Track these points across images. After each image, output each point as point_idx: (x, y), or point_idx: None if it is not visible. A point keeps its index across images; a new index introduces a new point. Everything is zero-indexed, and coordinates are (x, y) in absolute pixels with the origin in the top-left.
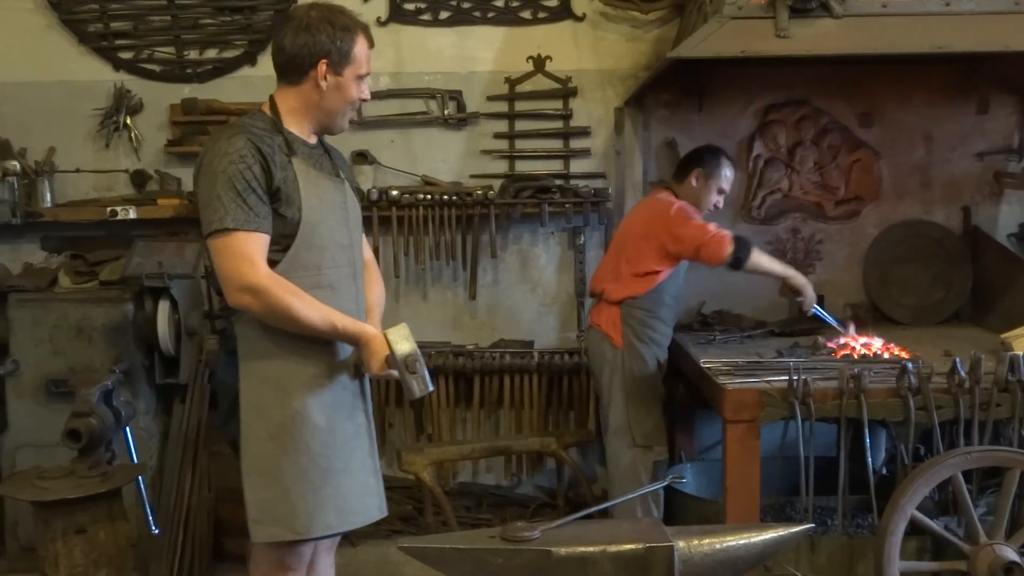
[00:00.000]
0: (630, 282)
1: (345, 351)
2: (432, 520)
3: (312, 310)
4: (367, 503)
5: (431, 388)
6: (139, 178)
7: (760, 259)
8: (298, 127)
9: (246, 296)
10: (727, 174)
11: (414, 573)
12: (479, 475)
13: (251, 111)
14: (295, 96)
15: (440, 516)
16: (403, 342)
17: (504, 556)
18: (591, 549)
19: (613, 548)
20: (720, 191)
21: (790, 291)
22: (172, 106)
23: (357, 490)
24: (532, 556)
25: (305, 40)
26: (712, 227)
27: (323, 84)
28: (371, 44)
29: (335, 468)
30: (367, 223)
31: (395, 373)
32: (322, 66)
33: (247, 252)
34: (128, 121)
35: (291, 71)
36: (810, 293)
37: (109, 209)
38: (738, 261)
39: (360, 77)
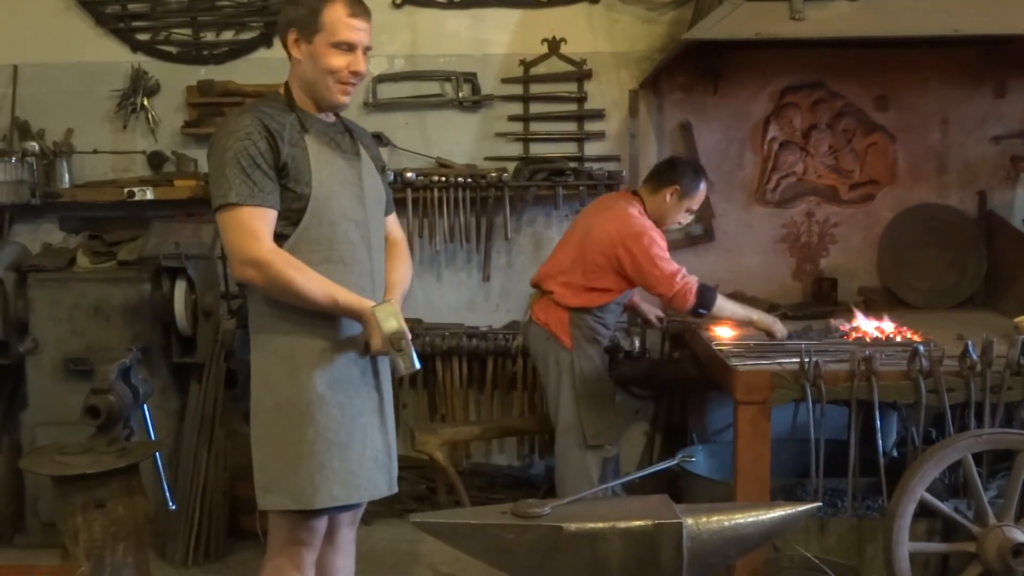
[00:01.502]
0: (583, 294)
1: (353, 327)
2: (445, 500)
3: (314, 284)
4: (375, 478)
5: (417, 366)
6: (156, 159)
7: (724, 307)
8: (306, 106)
9: (249, 269)
10: (699, 198)
11: (428, 551)
12: (492, 455)
13: (268, 93)
14: (291, 73)
15: (453, 496)
16: (389, 319)
17: (515, 531)
18: (601, 525)
19: (622, 524)
20: (689, 211)
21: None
22: (189, 88)
23: (365, 465)
24: (543, 532)
25: (283, 14)
26: (679, 276)
27: (296, 54)
28: (352, 12)
29: (341, 442)
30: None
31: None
32: (291, 36)
33: (252, 226)
34: (145, 102)
35: (285, 51)
36: (779, 330)
37: (127, 190)
38: (699, 313)
39: (335, 45)
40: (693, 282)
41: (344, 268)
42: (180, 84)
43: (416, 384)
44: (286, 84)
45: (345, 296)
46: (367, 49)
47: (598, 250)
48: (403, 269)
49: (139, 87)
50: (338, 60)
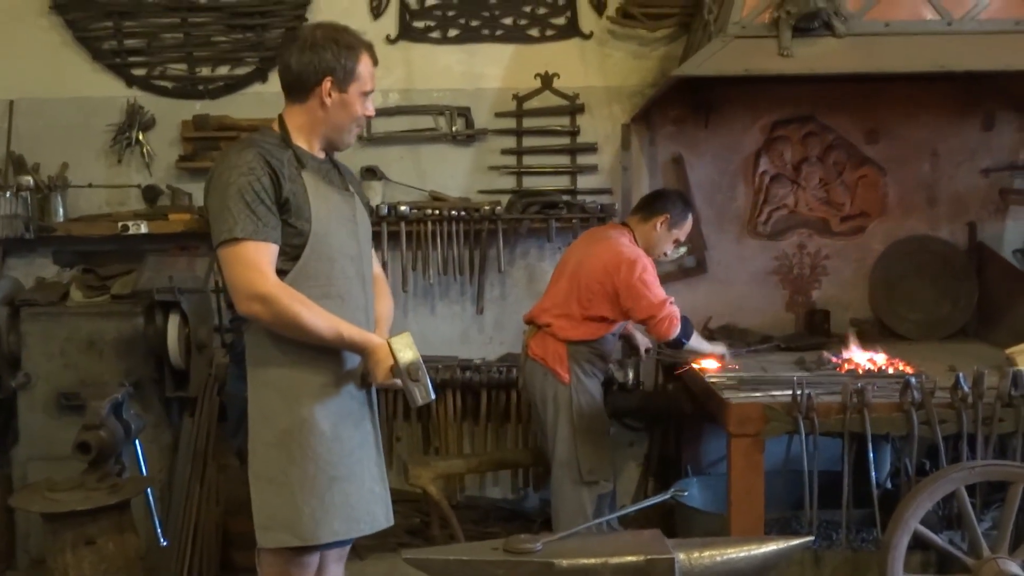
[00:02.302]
0: (581, 324)
1: (352, 361)
2: (439, 533)
3: (319, 319)
4: (374, 511)
5: (433, 396)
6: (151, 193)
7: (698, 344)
8: (306, 143)
9: (255, 304)
10: (687, 228)
11: None
12: (486, 488)
13: (261, 128)
14: (301, 113)
15: (447, 529)
16: (406, 350)
17: (507, 568)
18: (593, 561)
19: (615, 560)
20: (677, 241)
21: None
22: (184, 122)
23: (364, 498)
24: (534, 568)
25: (310, 59)
26: (668, 304)
27: (328, 101)
28: (375, 62)
29: (341, 476)
30: (376, 238)
31: (399, 382)
32: (327, 84)
33: (256, 261)
34: (140, 137)
35: (297, 89)
36: (728, 356)
37: (121, 224)
38: (679, 343)
39: (364, 94)
40: (679, 312)
41: (341, 303)
42: (175, 118)
43: (410, 417)
44: (280, 119)
45: (349, 330)
46: None
47: (593, 278)
48: (387, 301)
49: (135, 121)
50: (363, 107)
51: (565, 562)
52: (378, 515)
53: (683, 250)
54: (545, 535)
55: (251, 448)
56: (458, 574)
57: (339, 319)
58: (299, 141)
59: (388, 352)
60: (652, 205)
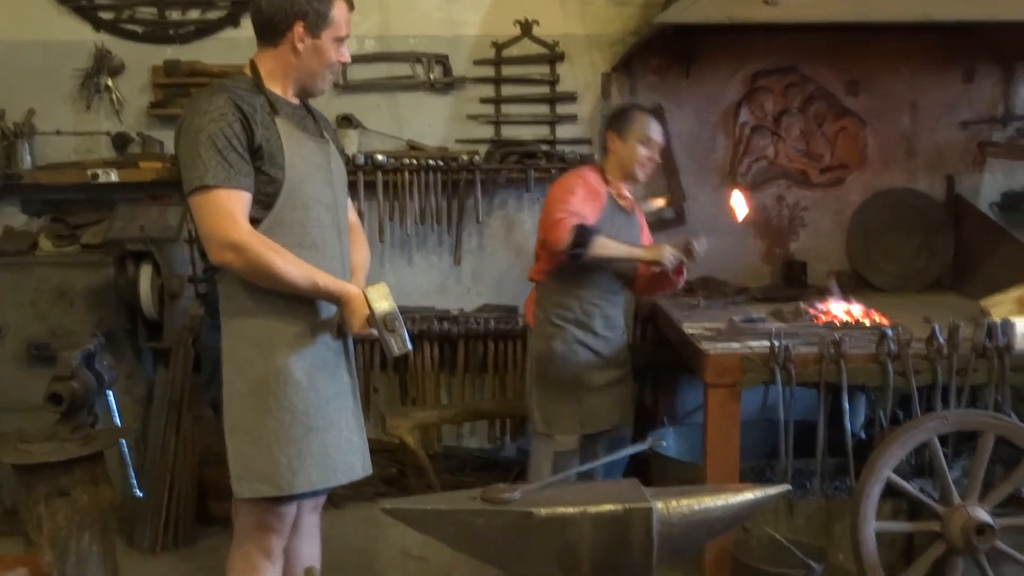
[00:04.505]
0: (541, 257)
1: (327, 310)
2: (416, 483)
3: (294, 268)
4: (351, 460)
5: (410, 347)
6: (121, 141)
7: (606, 244)
8: (280, 88)
9: (228, 253)
10: (642, 126)
11: (399, 535)
12: (463, 439)
13: (232, 74)
14: (273, 58)
15: (424, 479)
16: (382, 300)
17: (485, 517)
18: (571, 510)
19: (592, 509)
20: (644, 142)
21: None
22: (154, 68)
23: (341, 447)
24: (513, 517)
25: (282, 2)
26: (563, 213)
27: (300, 46)
28: (351, 7)
29: (318, 426)
30: (352, 188)
31: (375, 332)
32: (298, 28)
33: (229, 209)
34: (109, 82)
35: (269, 33)
36: (666, 255)
37: (90, 172)
38: (577, 250)
39: (338, 40)
40: (571, 221)
41: (317, 252)
42: (145, 64)
43: (387, 367)
44: (252, 64)
45: (324, 279)
46: None
47: (543, 211)
48: (363, 250)
49: (103, 67)
50: (337, 53)
51: (543, 511)
52: (355, 465)
53: (661, 203)
54: (523, 484)
55: (226, 399)
56: (436, 524)
57: (314, 268)
58: (272, 86)
59: (364, 302)
60: (602, 132)
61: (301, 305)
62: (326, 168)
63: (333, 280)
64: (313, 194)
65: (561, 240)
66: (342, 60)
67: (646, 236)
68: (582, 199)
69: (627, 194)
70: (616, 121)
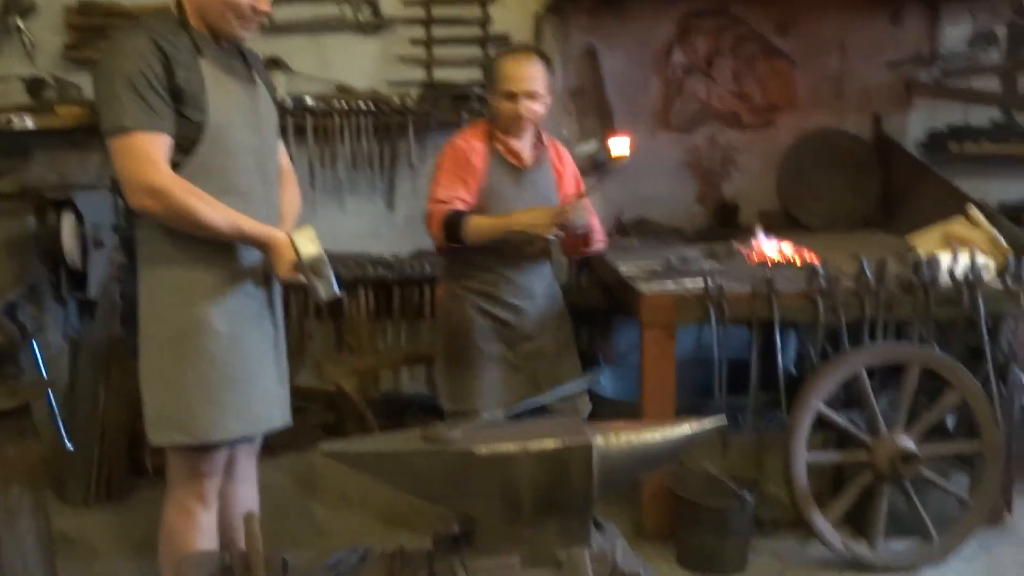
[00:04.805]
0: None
1: (252, 258)
2: (354, 429)
3: (217, 213)
4: (270, 411)
5: (338, 291)
6: (35, 85)
7: (479, 229)
8: (202, 26)
9: (147, 198)
10: (503, 78)
11: (335, 481)
12: (401, 384)
13: (157, 10)
14: None
15: (363, 425)
16: (308, 244)
17: (426, 457)
18: (512, 448)
19: (534, 446)
20: (508, 97)
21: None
22: (67, 8)
23: (260, 398)
24: (454, 456)
25: None
26: (432, 204)
27: None
28: None
29: (239, 376)
30: (282, 133)
31: (303, 278)
32: None
33: (148, 153)
34: (20, 24)
35: None
36: (542, 226)
37: (3, 118)
38: (455, 243)
39: None
40: (442, 211)
41: (241, 199)
42: (58, 3)
43: (322, 315)
44: (177, 3)
45: (249, 224)
46: None
47: None
48: (294, 197)
49: (12, 7)
50: None
51: (484, 449)
52: (274, 416)
53: (595, 144)
54: (463, 424)
55: (142, 346)
56: (377, 465)
57: (238, 213)
58: (198, 25)
59: (291, 247)
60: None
61: (223, 252)
62: (253, 112)
63: (258, 225)
64: (238, 139)
65: (436, 237)
66: (255, 5)
67: (566, 187)
68: (449, 177)
69: (519, 148)
70: (486, 72)
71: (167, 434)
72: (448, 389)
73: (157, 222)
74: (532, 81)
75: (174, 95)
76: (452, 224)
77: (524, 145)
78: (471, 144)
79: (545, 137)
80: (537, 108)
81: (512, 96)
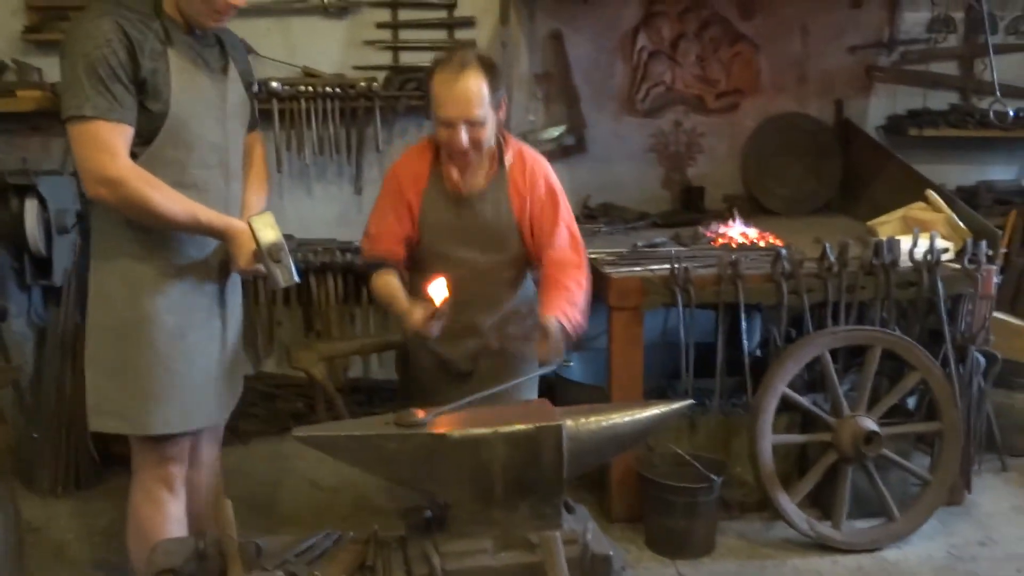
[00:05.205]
0: None
1: (204, 251)
2: (324, 416)
3: (173, 203)
4: (209, 406)
5: (297, 279)
6: None
7: (377, 293)
8: (175, 12)
9: (103, 188)
10: (438, 95)
11: (308, 467)
12: (371, 370)
13: None
14: None
15: (332, 412)
16: (267, 230)
17: (398, 441)
18: (483, 431)
19: (504, 429)
20: (446, 123)
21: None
22: None
23: (201, 392)
24: (426, 440)
25: None
26: (365, 235)
27: None
28: None
29: (179, 369)
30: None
31: (261, 268)
32: None
33: (108, 142)
34: None
35: None
36: (414, 326)
37: None
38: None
39: None
40: (366, 251)
41: (197, 193)
42: None
43: (290, 301)
44: None
45: (207, 213)
46: None
47: None
48: (260, 190)
49: None
50: None
51: (456, 433)
52: (213, 412)
53: (562, 128)
54: (433, 408)
55: (88, 333)
56: (349, 449)
57: (195, 203)
58: (171, 11)
59: (250, 236)
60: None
61: (174, 245)
62: (219, 106)
63: (216, 215)
64: (199, 133)
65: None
66: (231, 0)
67: (532, 210)
68: (382, 208)
69: (459, 175)
70: (422, 87)
71: (105, 421)
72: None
73: (110, 211)
74: (470, 105)
75: (137, 84)
76: (365, 271)
77: (471, 170)
78: (410, 169)
79: (510, 153)
80: (481, 135)
81: (448, 124)
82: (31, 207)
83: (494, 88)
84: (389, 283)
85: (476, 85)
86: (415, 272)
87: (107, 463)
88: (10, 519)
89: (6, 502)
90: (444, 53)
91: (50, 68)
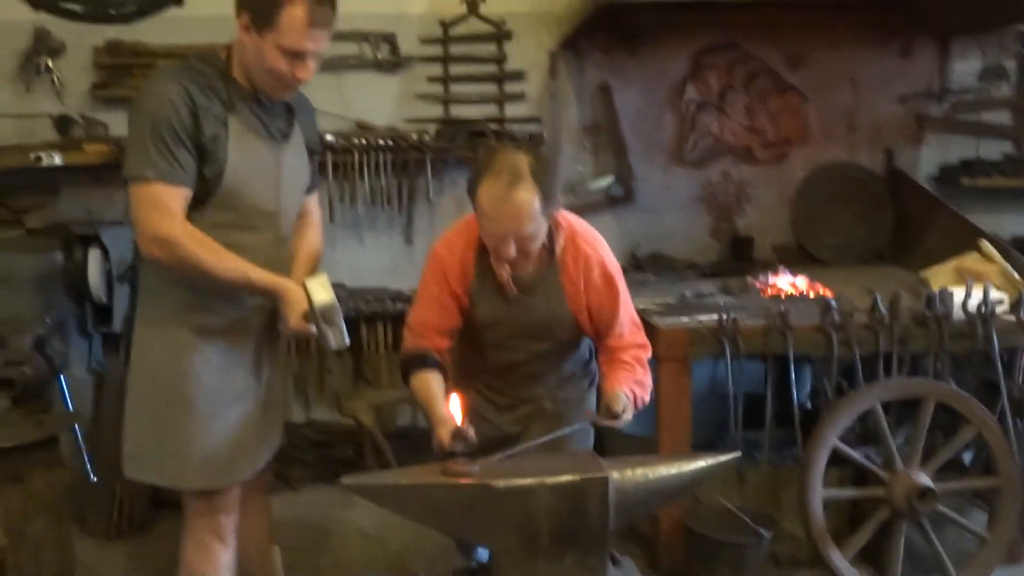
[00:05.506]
0: None
1: (244, 311)
2: (373, 464)
3: (225, 263)
4: (239, 464)
5: (347, 341)
6: (63, 123)
7: (415, 390)
8: (243, 78)
9: (156, 248)
10: (484, 208)
11: (355, 515)
12: (418, 418)
13: (207, 52)
14: (237, 41)
15: (381, 459)
16: (321, 292)
17: (445, 491)
18: (530, 481)
19: (551, 480)
20: (491, 236)
21: None
22: (96, 48)
23: (230, 450)
24: (473, 490)
25: None
26: (406, 326)
27: (244, 38)
28: (313, 20)
29: (215, 428)
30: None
31: (313, 328)
32: (241, 19)
33: (165, 204)
34: (50, 64)
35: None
36: (442, 441)
37: (33, 155)
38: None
39: (285, 49)
40: (410, 344)
41: (244, 255)
42: (86, 44)
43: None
44: (228, 47)
45: (258, 273)
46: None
47: None
48: (312, 253)
49: (42, 47)
50: (284, 65)
51: (502, 483)
52: (244, 470)
53: (610, 179)
54: (481, 458)
55: (129, 382)
56: (396, 498)
57: (247, 263)
58: (240, 77)
59: (302, 295)
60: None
61: (214, 303)
62: (274, 174)
63: (267, 274)
64: (251, 200)
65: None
66: (297, 75)
67: (589, 296)
68: (427, 297)
69: (506, 278)
70: (469, 186)
71: (138, 469)
72: None
73: (156, 269)
74: (520, 223)
75: (198, 149)
76: (404, 366)
77: (506, 274)
78: (455, 258)
79: (562, 240)
80: (531, 245)
81: (495, 238)
82: (94, 257)
83: (548, 199)
84: (428, 387)
85: (527, 202)
86: (463, 343)
87: (159, 506)
88: (66, 561)
89: (64, 545)
90: (491, 155)
91: (116, 122)
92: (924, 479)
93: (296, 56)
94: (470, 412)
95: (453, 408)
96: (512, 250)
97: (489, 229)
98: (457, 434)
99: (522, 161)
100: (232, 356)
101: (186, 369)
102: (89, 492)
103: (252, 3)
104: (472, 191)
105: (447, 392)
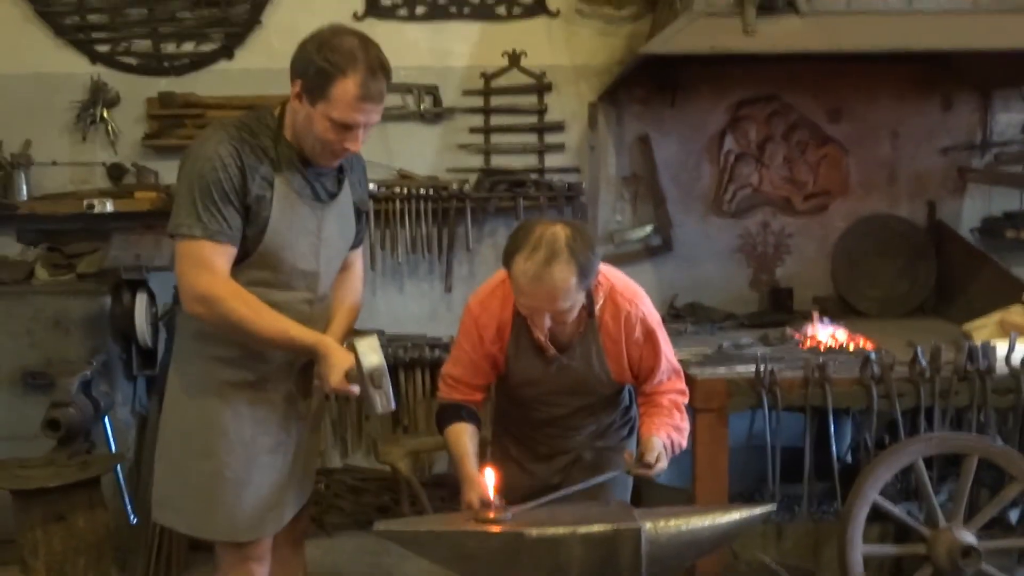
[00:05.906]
0: None
1: (276, 365)
2: (409, 511)
3: (266, 320)
4: (264, 518)
5: (393, 406)
6: (116, 171)
7: (449, 443)
8: (296, 143)
9: (199, 305)
10: (520, 284)
11: (392, 563)
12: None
13: (263, 110)
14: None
15: (416, 507)
16: (371, 354)
17: (477, 538)
18: (562, 531)
19: (583, 530)
20: (526, 308)
21: None
22: (149, 99)
23: (255, 504)
24: (505, 538)
25: (298, 53)
26: (443, 376)
27: (296, 105)
28: (363, 94)
29: (238, 480)
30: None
31: (355, 389)
32: (295, 86)
33: (210, 261)
34: (105, 114)
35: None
36: (471, 503)
37: (86, 202)
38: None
39: (335, 121)
40: (444, 395)
41: (278, 312)
42: (140, 95)
43: None
44: (284, 103)
45: (299, 331)
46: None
47: None
48: (350, 309)
49: (99, 98)
50: (333, 135)
51: (535, 531)
52: (267, 524)
53: (649, 228)
54: (514, 506)
55: (160, 428)
56: (429, 545)
57: (289, 320)
58: (291, 138)
59: (344, 355)
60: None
61: (253, 357)
62: (315, 235)
63: (308, 332)
64: (290, 261)
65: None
66: (345, 145)
67: (629, 353)
68: (463, 354)
69: (544, 341)
70: (505, 256)
71: (166, 516)
72: None
73: (192, 320)
74: (555, 300)
75: (244, 208)
76: (439, 416)
77: (542, 337)
78: (492, 317)
79: (600, 299)
80: (566, 319)
81: (529, 309)
82: (141, 301)
83: (585, 274)
84: (460, 442)
85: (564, 279)
86: (501, 395)
87: (196, 548)
88: None
89: None
90: (528, 227)
91: (166, 171)
92: (968, 537)
93: (346, 128)
94: (506, 467)
95: (487, 481)
96: (548, 322)
97: (524, 303)
98: (485, 506)
99: (560, 235)
100: (262, 410)
101: (215, 421)
102: (129, 533)
103: (306, 73)
104: (508, 263)
105: (481, 463)
